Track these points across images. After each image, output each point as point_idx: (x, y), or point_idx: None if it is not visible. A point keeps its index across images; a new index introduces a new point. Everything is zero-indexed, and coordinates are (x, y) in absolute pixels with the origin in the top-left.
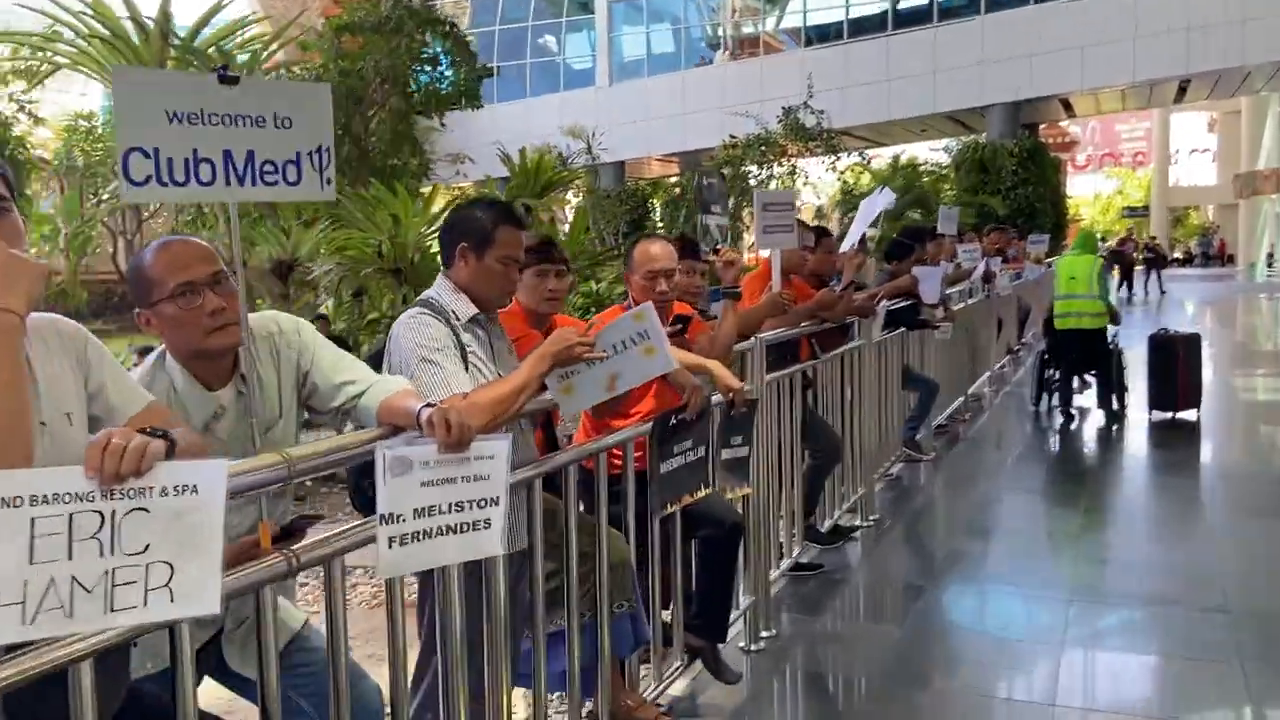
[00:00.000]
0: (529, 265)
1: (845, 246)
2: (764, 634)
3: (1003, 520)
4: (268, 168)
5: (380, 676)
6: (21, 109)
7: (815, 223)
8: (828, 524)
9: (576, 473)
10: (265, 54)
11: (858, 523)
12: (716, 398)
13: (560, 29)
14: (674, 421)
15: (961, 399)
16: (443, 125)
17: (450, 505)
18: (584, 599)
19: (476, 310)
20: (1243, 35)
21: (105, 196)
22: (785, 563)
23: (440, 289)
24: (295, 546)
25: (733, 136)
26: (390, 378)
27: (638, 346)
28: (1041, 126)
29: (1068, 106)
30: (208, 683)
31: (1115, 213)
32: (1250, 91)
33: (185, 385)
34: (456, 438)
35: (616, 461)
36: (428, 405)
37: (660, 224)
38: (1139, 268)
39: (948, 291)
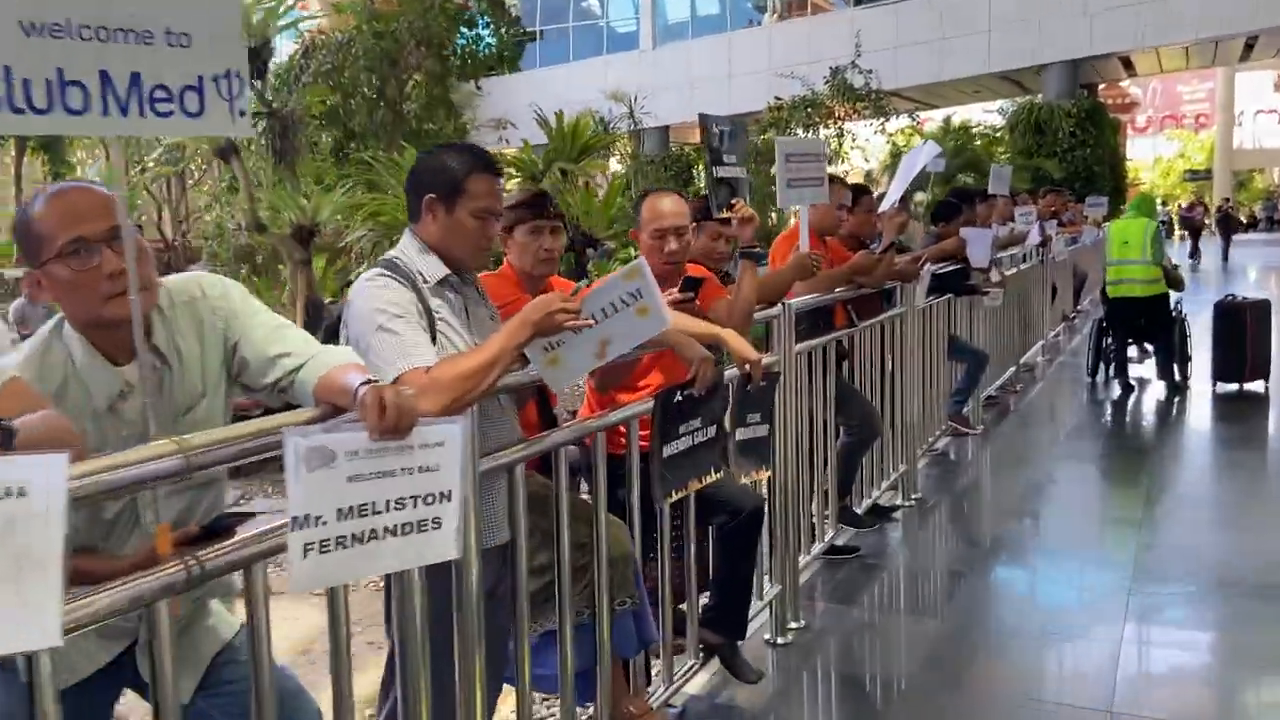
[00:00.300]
0: (521, 222)
1: (886, 205)
2: (791, 625)
3: (1055, 500)
4: (159, 94)
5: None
6: None
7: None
8: (865, 504)
9: (575, 454)
10: (284, 9)
11: (898, 502)
12: (732, 371)
13: None
14: (679, 398)
15: (1013, 369)
16: (479, 88)
17: (389, 503)
18: (582, 595)
19: (448, 271)
20: None
21: (149, 164)
22: (817, 547)
23: (406, 247)
24: (204, 551)
25: (778, 98)
26: (334, 349)
27: (630, 307)
28: (1100, 87)
29: (1128, 65)
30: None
31: (1176, 176)
32: None
33: (85, 359)
34: (393, 422)
35: (622, 439)
36: (368, 382)
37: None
38: (1209, 232)
39: (999, 255)
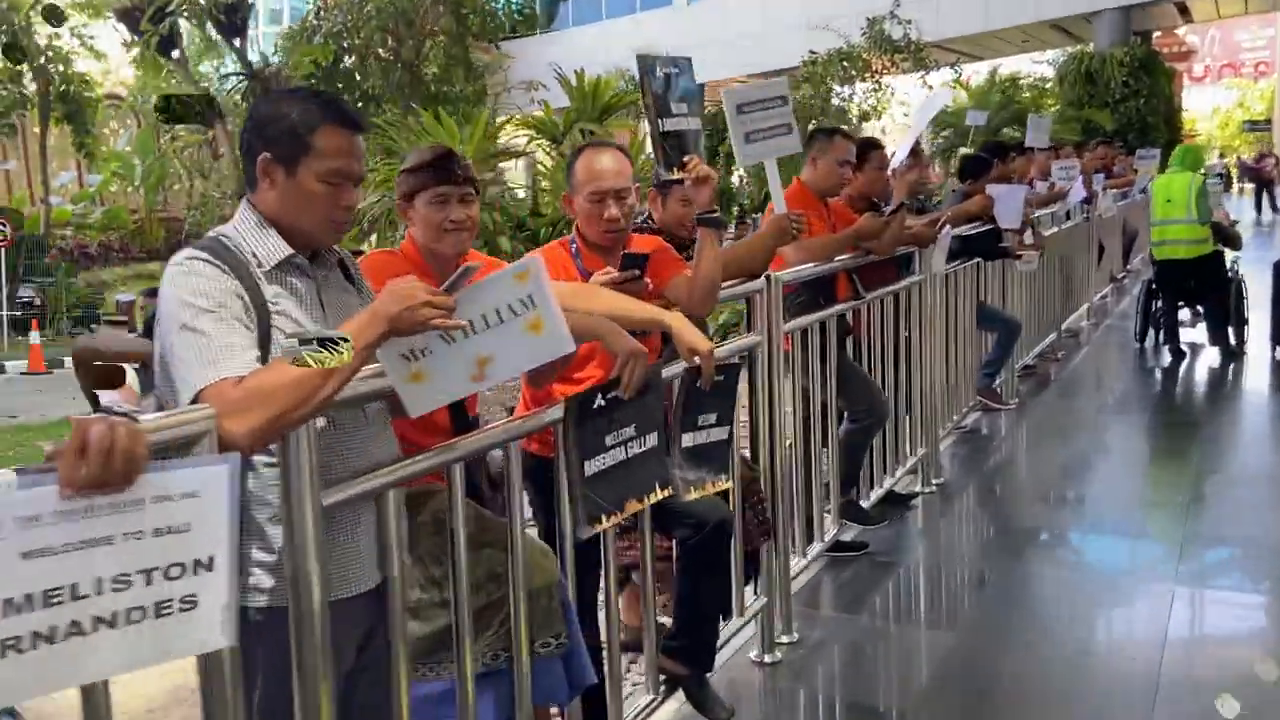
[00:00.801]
0: (422, 188)
1: (897, 161)
2: (782, 640)
3: (1095, 483)
4: None
5: None
6: (82, 43)
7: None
8: (878, 492)
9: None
10: None
11: (917, 489)
12: (678, 368)
13: None
14: (602, 402)
15: (1054, 335)
16: (498, 47)
17: (102, 582)
18: (498, 634)
19: (291, 250)
20: None
21: (180, 132)
22: (815, 548)
23: (240, 222)
24: None
25: (813, 52)
26: None
27: (519, 319)
28: (1155, 35)
29: (1184, 11)
30: None
31: (1235, 126)
32: None
33: None
34: (96, 471)
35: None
36: (103, 413)
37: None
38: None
39: (1037, 214)
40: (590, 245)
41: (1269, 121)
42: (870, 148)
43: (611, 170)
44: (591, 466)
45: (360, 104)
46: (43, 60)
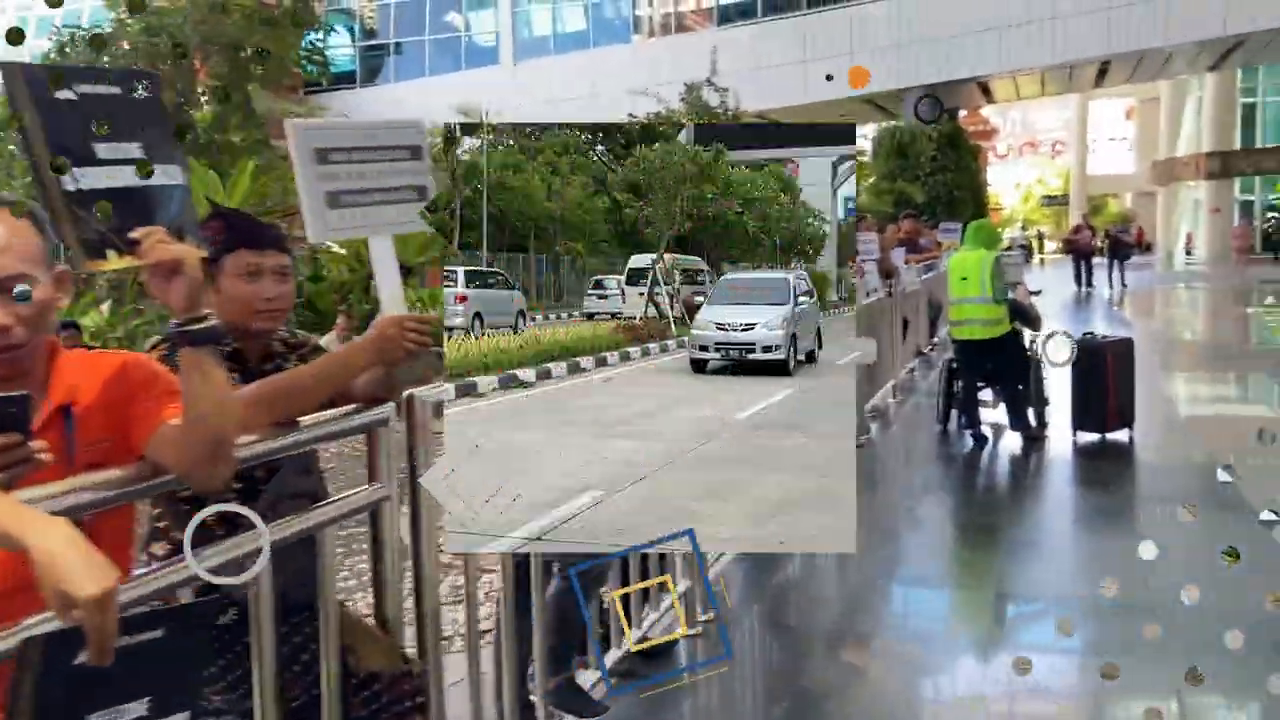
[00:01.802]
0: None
1: None
2: None
3: (895, 599)
4: None
5: None
6: None
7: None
8: (614, 655)
9: None
10: None
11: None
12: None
13: (461, 4)
14: None
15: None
16: (303, 97)
17: None
18: None
19: None
20: (1165, 15)
21: None
22: None
23: None
24: None
25: (632, 116)
26: None
27: None
28: (962, 114)
29: (987, 91)
30: None
31: (1035, 201)
32: (1171, 75)
33: None
34: None
35: None
36: None
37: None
38: (1099, 259)
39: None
40: None
41: (1066, 197)
42: None
43: None
44: None
45: None
46: None
